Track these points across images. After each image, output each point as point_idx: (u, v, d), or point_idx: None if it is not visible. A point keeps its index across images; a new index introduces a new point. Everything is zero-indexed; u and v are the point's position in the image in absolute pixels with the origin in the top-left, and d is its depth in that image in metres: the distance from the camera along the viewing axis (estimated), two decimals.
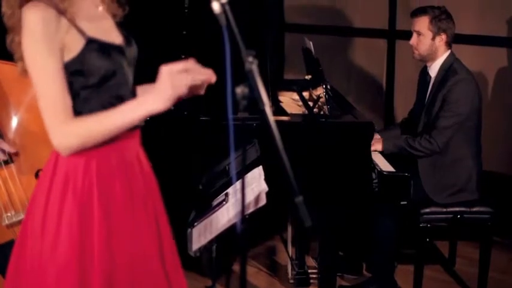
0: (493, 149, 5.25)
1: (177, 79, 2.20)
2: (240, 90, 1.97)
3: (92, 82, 2.31)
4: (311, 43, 4.57)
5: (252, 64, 1.97)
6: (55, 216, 2.33)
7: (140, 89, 2.58)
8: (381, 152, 4.33)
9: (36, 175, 3.23)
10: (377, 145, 4.30)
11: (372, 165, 3.97)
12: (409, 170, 4.04)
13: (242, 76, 2.00)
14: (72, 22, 2.29)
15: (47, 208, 2.35)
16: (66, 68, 2.28)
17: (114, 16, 2.51)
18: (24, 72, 2.36)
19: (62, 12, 2.26)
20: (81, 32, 2.30)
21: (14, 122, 3.24)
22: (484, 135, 4.41)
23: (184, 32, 4.36)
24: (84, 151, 2.31)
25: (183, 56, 4.12)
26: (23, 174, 3.22)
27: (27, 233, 2.41)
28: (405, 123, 4.72)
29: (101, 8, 2.47)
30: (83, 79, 2.30)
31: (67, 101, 2.26)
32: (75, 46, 2.28)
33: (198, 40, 3.97)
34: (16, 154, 3.22)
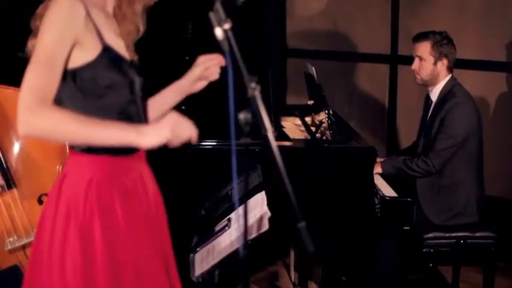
0: (494, 173, 5.25)
1: (179, 129, 2.26)
2: (242, 115, 1.97)
3: (100, 91, 2.31)
4: (313, 68, 4.59)
5: (254, 90, 1.98)
6: (59, 245, 2.32)
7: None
8: (381, 175, 4.33)
9: (39, 200, 3.24)
10: (376, 168, 4.30)
11: (375, 190, 3.97)
12: (410, 194, 4.04)
13: (245, 101, 2.01)
14: (96, 25, 2.31)
15: (53, 236, 2.33)
16: (79, 73, 2.28)
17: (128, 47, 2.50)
18: None
19: (89, 13, 2.28)
20: (100, 37, 2.31)
21: (17, 147, 3.25)
22: (485, 159, 4.41)
23: (187, 58, 4.38)
24: (84, 180, 2.32)
25: None
26: (26, 199, 3.23)
27: (37, 261, 2.39)
28: (410, 149, 4.73)
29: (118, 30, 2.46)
30: (92, 86, 2.30)
31: (53, 90, 2.20)
32: (91, 49, 2.29)
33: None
34: (18, 179, 3.23)
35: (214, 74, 2.63)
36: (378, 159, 4.31)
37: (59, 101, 2.26)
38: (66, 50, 2.24)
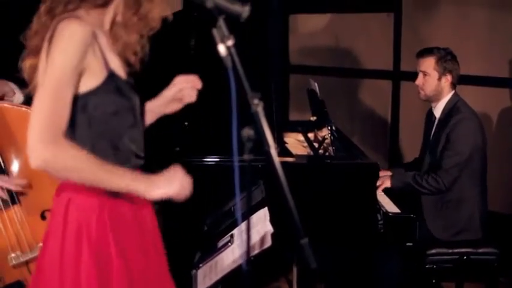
0: (497, 189, 5.24)
1: (186, 183, 2.33)
2: (245, 132, 1.98)
3: (105, 117, 2.29)
4: (316, 84, 4.60)
5: (257, 106, 1.99)
6: (72, 269, 2.28)
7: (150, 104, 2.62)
8: (387, 191, 4.32)
9: (42, 215, 3.25)
10: (386, 181, 4.29)
11: (378, 206, 3.97)
12: (414, 210, 4.04)
13: (248, 117, 2.02)
14: (102, 50, 2.28)
15: (63, 261, 2.29)
16: (84, 99, 2.24)
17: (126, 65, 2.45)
18: None
19: (96, 37, 2.25)
20: (106, 62, 2.29)
21: (20, 163, 3.26)
22: (488, 175, 4.41)
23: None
24: (94, 203, 2.30)
25: None
26: (30, 214, 3.24)
27: (44, 282, 2.35)
28: (413, 164, 4.72)
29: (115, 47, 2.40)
30: (98, 112, 2.27)
31: (65, 121, 2.18)
32: (97, 75, 2.26)
33: (203, 82, 4.00)
34: (22, 194, 3.24)
35: (190, 97, 2.61)
36: (385, 173, 4.32)
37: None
38: (75, 78, 2.20)
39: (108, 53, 2.32)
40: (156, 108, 2.66)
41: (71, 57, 2.18)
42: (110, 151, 2.33)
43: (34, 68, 2.30)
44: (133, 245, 2.38)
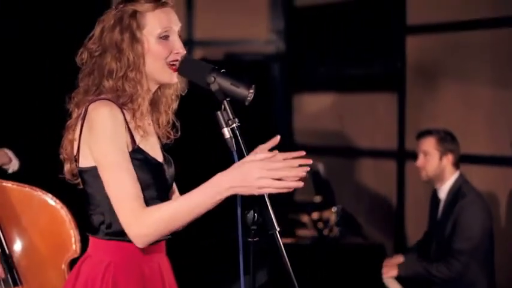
0: (504, 272, 5.18)
1: (268, 167, 2.15)
2: (250, 215, 1.98)
3: None
4: (321, 165, 4.61)
5: None
6: None
7: None
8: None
9: None
10: (393, 270, 4.22)
11: None
12: None
13: (252, 199, 2.02)
14: (129, 127, 2.32)
15: None
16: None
17: (162, 137, 2.51)
18: (70, 175, 2.40)
19: (124, 116, 2.31)
20: (133, 138, 2.33)
21: (24, 243, 3.25)
22: (496, 254, 4.36)
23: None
24: (104, 262, 2.34)
25: None
26: None
27: None
28: (420, 246, 4.68)
29: (151, 126, 2.47)
30: None
31: (139, 192, 2.26)
32: None
33: (206, 162, 4.03)
34: (24, 275, 3.22)
35: None
36: (395, 261, 4.28)
37: (93, 197, 2.34)
38: (127, 153, 2.28)
39: (135, 131, 2.36)
40: None
41: (113, 139, 2.26)
42: None
43: (69, 140, 2.38)
44: None
